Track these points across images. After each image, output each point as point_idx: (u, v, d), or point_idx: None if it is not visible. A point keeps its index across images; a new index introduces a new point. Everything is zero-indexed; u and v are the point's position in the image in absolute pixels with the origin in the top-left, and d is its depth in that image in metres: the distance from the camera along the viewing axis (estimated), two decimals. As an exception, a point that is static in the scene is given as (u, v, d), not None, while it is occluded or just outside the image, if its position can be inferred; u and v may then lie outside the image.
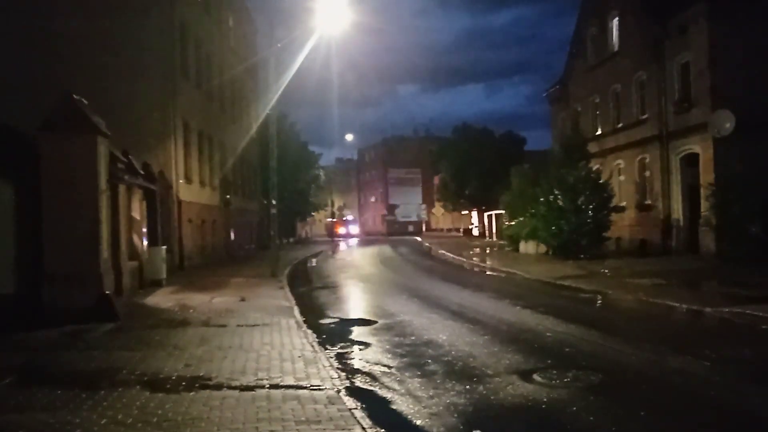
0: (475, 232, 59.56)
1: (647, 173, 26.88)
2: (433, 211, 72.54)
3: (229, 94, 32.99)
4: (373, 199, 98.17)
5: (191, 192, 24.62)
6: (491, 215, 49.26)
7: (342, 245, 51.42)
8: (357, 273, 24.73)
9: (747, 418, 6.19)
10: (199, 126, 26.03)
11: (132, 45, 21.30)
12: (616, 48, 29.40)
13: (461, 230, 66.36)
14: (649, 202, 26.60)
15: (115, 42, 21.09)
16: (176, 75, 22.68)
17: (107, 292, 11.98)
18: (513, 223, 32.75)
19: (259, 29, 38.77)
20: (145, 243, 17.33)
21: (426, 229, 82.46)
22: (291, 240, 53.70)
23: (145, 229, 17.43)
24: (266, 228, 30.68)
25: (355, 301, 16.71)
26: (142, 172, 17.16)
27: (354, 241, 50.03)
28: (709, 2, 21.80)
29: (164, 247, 18.58)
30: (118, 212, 13.78)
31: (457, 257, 30.74)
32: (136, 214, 16.50)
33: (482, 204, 53.63)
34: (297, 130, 55.68)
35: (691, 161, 23.67)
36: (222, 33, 31.74)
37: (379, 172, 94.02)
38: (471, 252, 32.54)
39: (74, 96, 12.22)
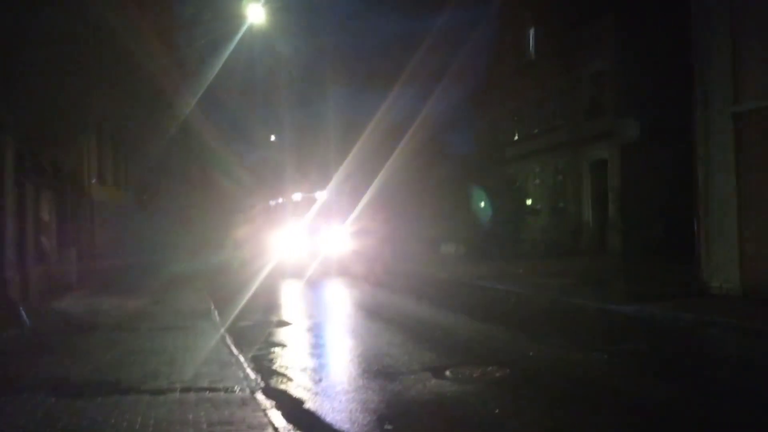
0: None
1: (560, 177, 28.03)
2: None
3: (148, 92, 32.01)
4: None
5: (106, 193, 23.78)
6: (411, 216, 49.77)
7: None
8: (275, 273, 24.52)
9: (641, 404, 6.61)
10: (115, 124, 25.18)
11: (42, 40, 20.39)
12: (533, 56, 30.50)
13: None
14: (562, 205, 27.73)
15: (23, 37, 20.13)
16: (90, 72, 21.83)
17: (13, 296, 11.51)
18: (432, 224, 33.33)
19: (183, 25, 37.76)
20: (55, 245, 16.66)
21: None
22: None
23: (55, 231, 16.77)
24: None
25: (273, 302, 16.58)
26: (51, 172, 16.50)
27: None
28: (615, 14, 23.00)
29: (75, 249, 17.91)
30: (25, 214, 13.23)
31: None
32: (45, 216, 15.85)
33: (401, 206, 54.09)
34: (222, 129, 54.51)
35: (600, 166, 24.87)
36: (141, 28, 30.79)
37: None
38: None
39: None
